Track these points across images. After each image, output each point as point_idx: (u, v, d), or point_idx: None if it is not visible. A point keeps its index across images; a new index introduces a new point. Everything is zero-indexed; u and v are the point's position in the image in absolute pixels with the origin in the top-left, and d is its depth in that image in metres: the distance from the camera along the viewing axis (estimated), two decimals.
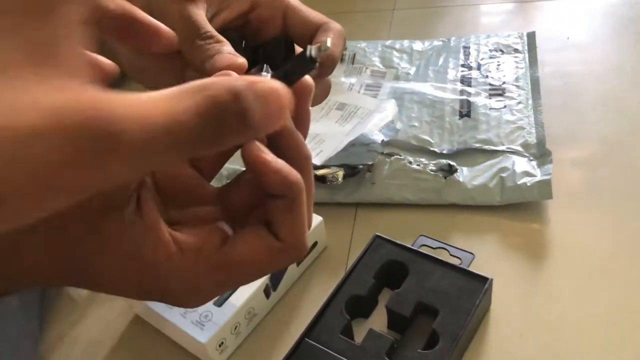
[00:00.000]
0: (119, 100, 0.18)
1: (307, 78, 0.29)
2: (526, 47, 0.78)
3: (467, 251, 0.52)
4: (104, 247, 0.24)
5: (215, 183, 0.32)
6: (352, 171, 0.62)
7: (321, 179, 0.61)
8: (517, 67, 0.75)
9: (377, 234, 0.53)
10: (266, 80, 0.22)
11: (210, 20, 0.39)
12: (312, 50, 0.27)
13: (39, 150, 0.16)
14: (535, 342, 0.48)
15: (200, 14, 0.38)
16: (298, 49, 0.46)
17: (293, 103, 0.24)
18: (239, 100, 0.21)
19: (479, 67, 0.76)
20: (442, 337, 0.45)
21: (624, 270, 0.52)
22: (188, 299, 0.27)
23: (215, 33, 0.37)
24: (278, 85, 0.23)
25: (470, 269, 0.49)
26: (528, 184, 0.58)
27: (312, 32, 0.44)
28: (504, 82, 0.72)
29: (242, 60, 0.34)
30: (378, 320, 0.50)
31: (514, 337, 0.48)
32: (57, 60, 0.17)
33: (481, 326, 0.50)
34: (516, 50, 0.77)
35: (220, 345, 0.49)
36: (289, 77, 0.28)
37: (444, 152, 0.64)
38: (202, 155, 0.30)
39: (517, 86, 0.71)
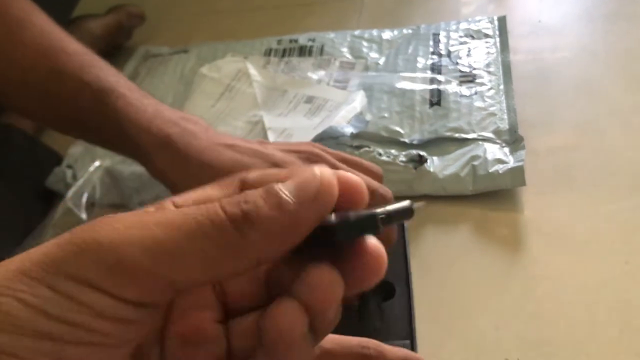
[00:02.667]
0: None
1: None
2: (497, 32, 0.76)
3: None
4: None
5: None
6: None
7: None
8: (488, 52, 0.73)
9: None
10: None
11: None
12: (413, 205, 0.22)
13: None
14: (512, 333, 0.46)
15: None
16: None
17: None
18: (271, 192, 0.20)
19: (449, 54, 0.74)
20: (396, 284, 0.47)
21: (601, 255, 0.51)
22: None
23: None
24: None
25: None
26: (500, 172, 0.56)
27: None
28: (474, 69, 0.71)
29: None
30: None
31: (490, 330, 0.47)
32: None
33: (456, 318, 0.48)
34: (487, 36, 0.76)
35: None
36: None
37: (415, 142, 0.62)
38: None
39: (488, 72, 0.70)
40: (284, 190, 0.20)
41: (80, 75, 0.51)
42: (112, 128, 0.50)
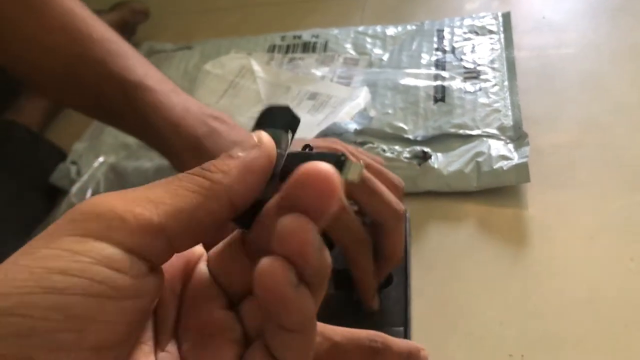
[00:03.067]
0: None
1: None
2: (501, 28, 0.76)
3: None
4: None
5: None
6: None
7: None
8: (492, 48, 0.73)
9: None
10: None
11: None
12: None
13: None
14: (516, 329, 0.46)
15: None
16: None
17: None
18: None
19: (453, 51, 0.74)
20: (394, 273, 0.47)
21: (605, 252, 0.50)
22: None
23: None
24: None
25: None
26: (505, 168, 0.56)
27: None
28: (479, 65, 0.70)
29: None
30: None
31: (494, 326, 0.47)
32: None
33: (459, 314, 0.48)
34: (491, 32, 0.75)
35: None
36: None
37: (419, 138, 0.62)
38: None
39: (493, 68, 0.70)
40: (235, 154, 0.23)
41: (106, 64, 0.50)
42: (138, 121, 0.50)
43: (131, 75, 0.49)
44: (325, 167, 0.20)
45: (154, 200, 0.21)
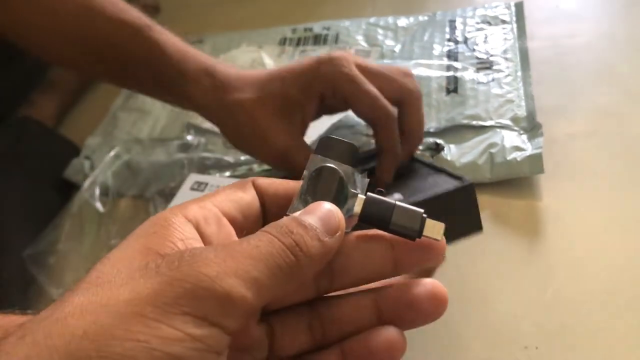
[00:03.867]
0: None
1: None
2: (514, 18, 0.75)
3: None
4: None
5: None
6: None
7: None
8: (505, 38, 0.72)
9: None
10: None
11: None
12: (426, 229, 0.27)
13: None
14: (531, 321, 0.46)
15: None
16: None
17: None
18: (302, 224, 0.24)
19: (465, 41, 0.73)
20: None
21: (620, 243, 0.50)
22: None
23: None
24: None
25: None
26: (518, 159, 0.55)
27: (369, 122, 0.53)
28: (491, 55, 0.70)
29: None
30: None
31: (509, 318, 0.47)
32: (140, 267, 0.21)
33: (474, 306, 0.48)
34: (504, 22, 0.75)
35: None
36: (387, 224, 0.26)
37: (431, 130, 0.62)
38: None
39: (506, 58, 0.69)
40: (314, 225, 0.24)
41: (118, 15, 0.53)
42: (150, 60, 0.53)
43: (144, 21, 0.54)
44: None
45: (253, 276, 0.21)
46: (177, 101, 0.58)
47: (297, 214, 0.25)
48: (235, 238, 0.26)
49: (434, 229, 0.26)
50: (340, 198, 0.26)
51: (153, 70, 0.54)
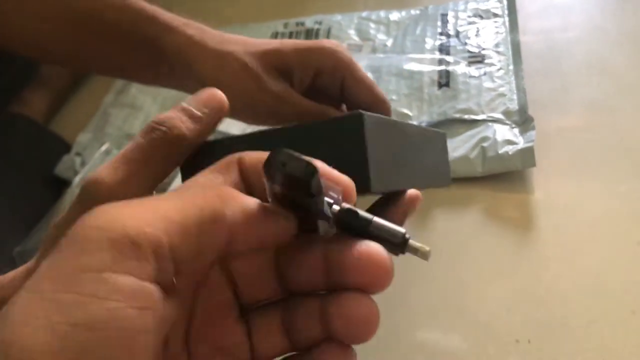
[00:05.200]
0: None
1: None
2: (506, 11, 0.75)
3: None
4: None
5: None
6: None
7: None
8: (497, 32, 0.72)
9: None
10: None
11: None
12: (412, 245, 0.25)
13: None
14: (523, 315, 0.46)
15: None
16: None
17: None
18: None
19: (457, 35, 0.73)
20: None
21: (612, 237, 0.50)
22: None
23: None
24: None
25: None
26: (510, 153, 0.55)
27: (364, 108, 0.49)
28: (483, 49, 0.70)
29: None
30: None
31: (501, 311, 0.47)
32: None
33: (466, 299, 0.48)
34: (495, 15, 0.75)
35: None
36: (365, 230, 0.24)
37: (423, 124, 0.62)
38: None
39: (498, 52, 0.69)
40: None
41: None
42: (137, 21, 0.51)
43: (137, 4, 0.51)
44: (383, 257, 0.23)
45: (163, 215, 0.20)
46: (163, 67, 0.53)
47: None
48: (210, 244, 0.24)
49: (419, 248, 0.25)
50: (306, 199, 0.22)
51: (137, 35, 0.51)
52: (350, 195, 0.24)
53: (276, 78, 0.48)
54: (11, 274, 0.31)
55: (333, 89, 0.50)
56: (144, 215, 0.20)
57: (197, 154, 0.30)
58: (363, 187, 0.27)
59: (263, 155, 0.24)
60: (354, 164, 0.27)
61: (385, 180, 0.30)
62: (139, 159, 0.28)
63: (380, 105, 0.49)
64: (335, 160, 0.25)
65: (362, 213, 0.24)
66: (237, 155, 0.25)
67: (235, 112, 0.51)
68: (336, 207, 0.23)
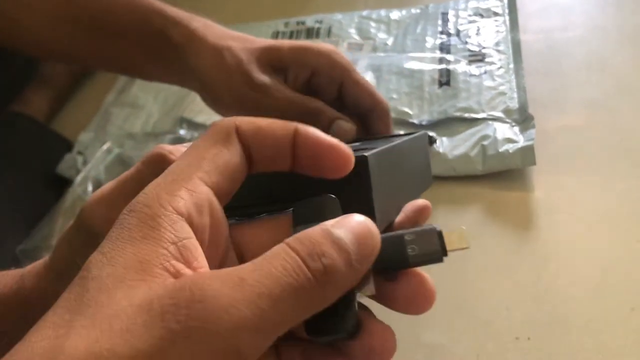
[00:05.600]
0: (207, 276, 0.19)
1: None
2: (506, 10, 0.75)
3: None
4: None
5: None
6: None
7: None
8: (497, 31, 0.72)
9: None
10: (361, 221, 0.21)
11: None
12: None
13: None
14: (523, 313, 0.46)
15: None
16: None
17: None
18: (337, 243, 0.20)
19: (458, 34, 0.73)
20: None
21: (612, 235, 0.50)
22: None
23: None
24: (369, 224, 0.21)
25: None
26: (510, 151, 0.56)
27: (363, 111, 0.50)
28: (484, 48, 0.70)
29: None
30: None
31: (501, 308, 0.47)
32: (142, 275, 0.19)
33: (466, 298, 0.48)
34: (496, 14, 0.75)
35: None
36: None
37: (424, 123, 0.62)
38: None
39: (498, 51, 0.69)
40: (350, 246, 0.21)
41: None
42: (141, 27, 0.52)
43: None
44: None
45: (270, 319, 0.19)
46: (170, 60, 0.54)
47: (330, 223, 0.21)
48: (225, 224, 0.24)
49: (456, 238, 0.24)
50: None
51: (147, 29, 0.52)
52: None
53: (268, 73, 0.49)
54: (29, 267, 0.35)
55: (329, 90, 0.50)
56: (246, 320, 0.19)
57: None
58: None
59: (259, 121, 0.24)
60: (361, 207, 0.25)
61: (387, 212, 0.29)
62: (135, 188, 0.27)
63: (379, 107, 0.49)
64: (342, 198, 0.25)
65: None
66: (232, 122, 0.24)
67: (224, 107, 0.52)
68: None
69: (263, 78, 0.48)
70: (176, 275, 0.20)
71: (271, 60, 0.49)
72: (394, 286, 0.24)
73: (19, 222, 0.62)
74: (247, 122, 0.24)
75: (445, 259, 0.23)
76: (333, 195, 0.24)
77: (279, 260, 0.19)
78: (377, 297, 0.24)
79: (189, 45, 0.50)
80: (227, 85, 0.49)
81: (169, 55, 0.52)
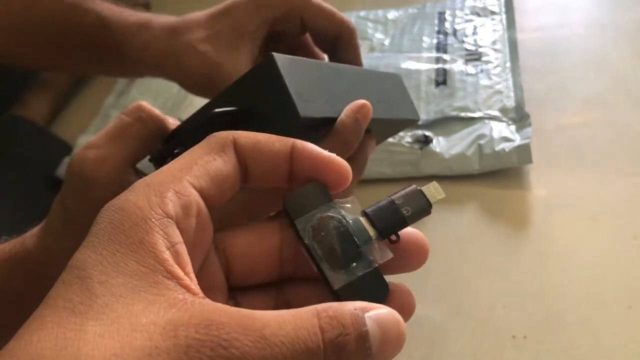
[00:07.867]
0: (234, 321, 0.19)
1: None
2: (503, 9, 0.75)
3: None
4: None
5: None
6: None
7: None
8: (494, 29, 0.72)
9: None
10: (387, 309, 0.22)
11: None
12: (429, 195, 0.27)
13: None
14: (520, 311, 0.46)
15: None
16: None
17: None
18: (362, 336, 0.21)
19: (454, 33, 0.73)
20: None
21: (609, 231, 0.50)
22: None
23: None
24: (398, 316, 0.22)
25: None
26: (507, 150, 0.56)
27: (331, 39, 0.50)
28: (480, 47, 0.70)
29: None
30: None
31: (497, 307, 0.47)
32: (157, 288, 0.20)
33: (463, 296, 0.48)
34: (493, 13, 0.75)
35: None
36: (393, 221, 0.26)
37: (420, 122, 0.62)
38: None
39: (495, 49, 0.69)
40: (372, 342, 0.21)
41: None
42: (89, 28, 0.52)
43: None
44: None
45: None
46: (124, 69, 0.55)
47: (359, 306, 0.21)
48: (210, 227, 0.25)
49: (434, 190, 0.27)
50: (349, 247, 0.24)
51: (91, 43, 0.53)
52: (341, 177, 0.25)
53: (234, 49, 0.48)
54: (30, 232, 0.41)
55: (293, 32, 0.50)
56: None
57: (165, 141, 0.37)
58: (293, 116, 0.31)
59: (257, 135, 0.25)
60: (280, 99, 0.31)
61: (316, 106, 0.33)
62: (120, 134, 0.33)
63: (344, 29, 0.49)
64: (266, 101, 0.31)
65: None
66: (230, 135, 0.24)
67: (196, 92, 0.53)
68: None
69: (236, 65, 0.48)
70: (176, 277, 0.20)
71: (232, 39, 0.49)
72: (396, 246, 0.26)
73: (18, 225, 0.62)
74: (245, 135, 0.25)
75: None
76: (318, 183, 0.25)
77: (304, 331, 0.20)
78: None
79: (149, 54, 0.51)
80: (198, 78, 0.50)
81: (112, 53, 0.53)
